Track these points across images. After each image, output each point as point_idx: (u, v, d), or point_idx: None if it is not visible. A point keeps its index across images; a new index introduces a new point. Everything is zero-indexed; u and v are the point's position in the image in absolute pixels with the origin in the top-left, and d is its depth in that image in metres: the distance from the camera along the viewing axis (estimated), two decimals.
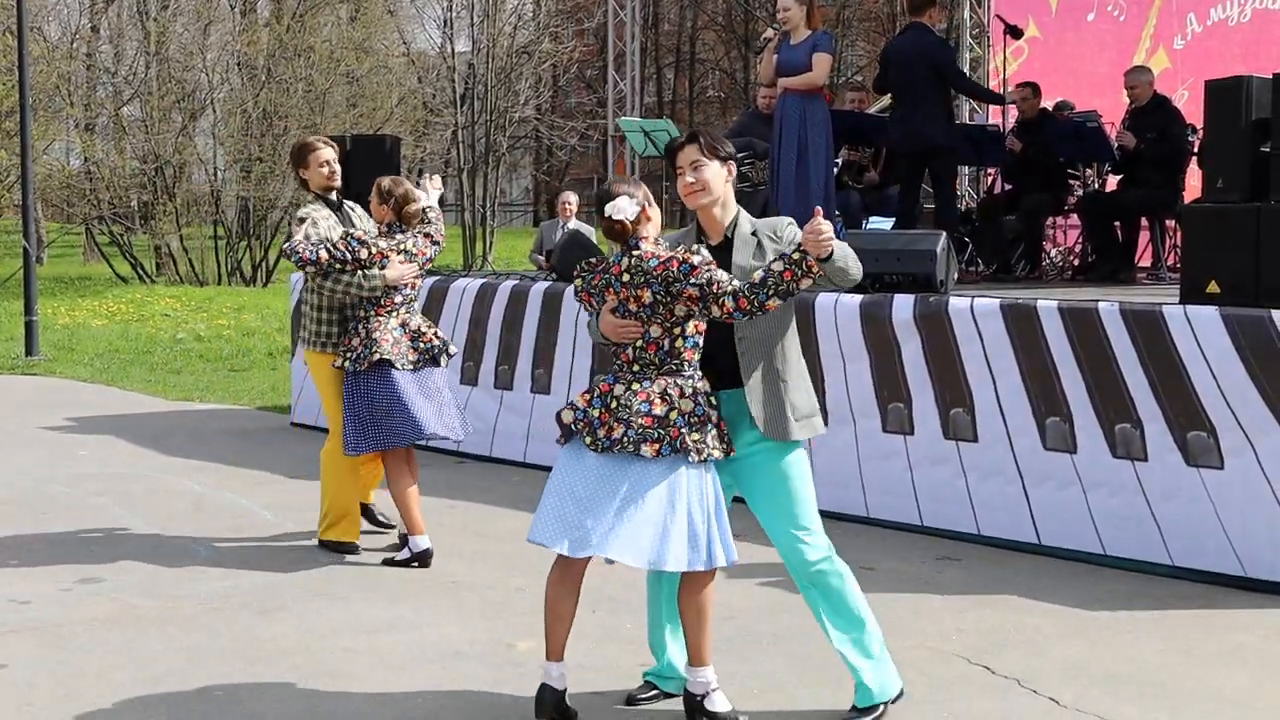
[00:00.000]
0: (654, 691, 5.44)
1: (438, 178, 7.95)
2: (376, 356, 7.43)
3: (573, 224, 14.30)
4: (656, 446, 4.82)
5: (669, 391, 4.88)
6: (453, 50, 36.86)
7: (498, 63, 34.98)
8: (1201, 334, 7.13)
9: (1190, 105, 13.21)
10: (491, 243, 34.09)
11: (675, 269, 4.81)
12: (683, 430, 4.84)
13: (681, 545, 4.83)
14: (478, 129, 34.71)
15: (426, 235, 7.68)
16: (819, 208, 4.80)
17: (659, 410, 4.85)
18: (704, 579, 4.96)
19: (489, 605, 6.75)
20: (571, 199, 15.11)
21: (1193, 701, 5.47)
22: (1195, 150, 11.59)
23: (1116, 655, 6.03)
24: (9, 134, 23.97)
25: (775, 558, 5.31)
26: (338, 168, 7.94)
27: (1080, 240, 12.49)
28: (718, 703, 5.02)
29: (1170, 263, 11.52)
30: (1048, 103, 12.70)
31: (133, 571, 7.31)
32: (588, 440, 4.89)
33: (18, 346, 17.68)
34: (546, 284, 10.47)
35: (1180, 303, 7.42)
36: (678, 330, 4.91)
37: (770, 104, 11.57)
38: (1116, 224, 11.65)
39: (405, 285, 7.62)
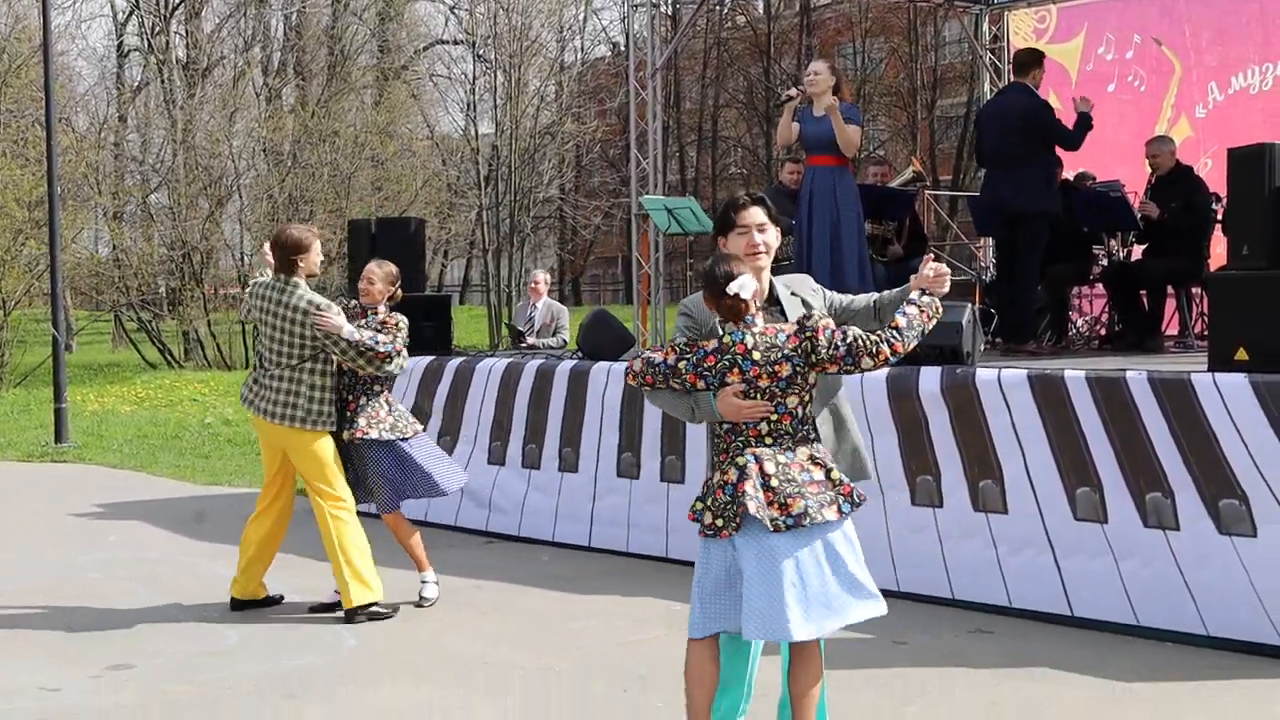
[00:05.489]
0: None
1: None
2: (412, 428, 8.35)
3: (543, 302, 14.18)
4: (836, 507, 4.83)
5: (816, 455, 4.92)
6: (476, 133, 37.25)
7: (521, 144, 35.29)
8: (1231, 401, 7.10)
9: (1213, 173, 13.22)
10: None
11: (821, 337, 4.83)
12: (850, 485, 4.92)
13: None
14: (502, 210, 34.95)
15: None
16: (929, 255, 4.93)
17: (819, 475, 4.86)
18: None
19: (521, 686, 6.71)
20: (541, 277, 14.58)
21: None
22: (1219, 218, 11.58)
23: None
24: (38, 224, 24.19)
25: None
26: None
27: (1106, 310, 12.47)
28: None
29: (1197, 331, 11.48)
30: (1069, 173, 12.72)
31: (163, 657, 7.30)
32: (768, 523, 4.75)
33: (47, 434, 17.76)
34: (573, 363, 10.49)
35: (1208, 370, 7.41)
36: (807, 397, 4.93)
37: (796, 180, 11.56)
38: (1142, 293, 11.63)
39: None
